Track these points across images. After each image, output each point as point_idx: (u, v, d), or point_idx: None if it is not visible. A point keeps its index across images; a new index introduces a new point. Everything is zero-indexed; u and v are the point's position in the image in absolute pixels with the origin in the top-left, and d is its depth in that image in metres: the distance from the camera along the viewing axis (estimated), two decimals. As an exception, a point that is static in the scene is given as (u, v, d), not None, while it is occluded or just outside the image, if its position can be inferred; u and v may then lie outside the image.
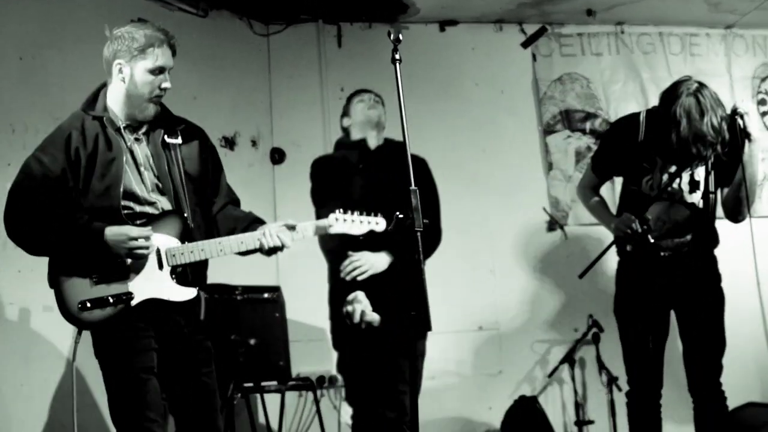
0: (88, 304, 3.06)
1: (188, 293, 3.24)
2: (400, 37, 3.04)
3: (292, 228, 3.36)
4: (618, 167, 4.16)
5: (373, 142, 4.38)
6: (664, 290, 3.98)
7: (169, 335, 3.24)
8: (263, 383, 5.12)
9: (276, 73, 6.27)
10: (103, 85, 3.32)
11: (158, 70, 3.21)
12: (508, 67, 6.59)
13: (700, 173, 3.94)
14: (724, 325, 3.98)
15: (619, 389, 5.54)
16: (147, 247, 3.11)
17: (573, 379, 5.78)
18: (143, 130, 3.31)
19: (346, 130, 4.55)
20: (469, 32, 6.61)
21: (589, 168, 4.38)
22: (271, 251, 3.33)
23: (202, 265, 3.35)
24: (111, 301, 3.08)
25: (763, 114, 6.86)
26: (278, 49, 6.30)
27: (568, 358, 5.79)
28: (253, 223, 3.40)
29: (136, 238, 3.07)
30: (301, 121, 6.22)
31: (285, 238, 3.31)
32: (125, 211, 3.17)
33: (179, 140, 3.36)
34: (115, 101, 3.26)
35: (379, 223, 3.43)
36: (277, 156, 6.15)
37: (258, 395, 5.21)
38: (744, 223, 5.95)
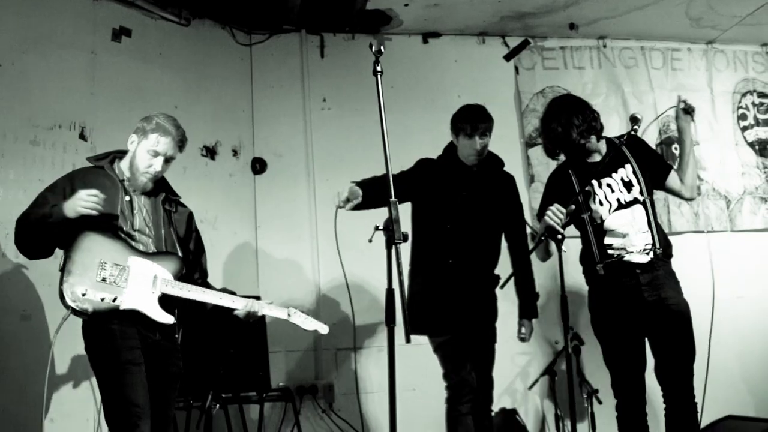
0: (85, 293, 3.44)
1: (167, 318, 3.68)
2: (382, 49, 3.03)
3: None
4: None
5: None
6: (633, 310, 4.23)
7: (148, 346, 3.64)
8: (242, 393, 5.09)
9: (258, 83, 6.25)
10: (120, 151, 3.91)
11: (154, 153, 3.76)
12: (490, 80, 6.61)
13: (629, 175, 4.34)
14: (692, 332, 4.22)
15: (599, 402, 5.54)
16: (97, 202, 3.49)
17: (553, 391, 5.78)
18: (145, 191, 3.86)
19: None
20: (452, 44, 6.64)
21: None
22: (247, 316, 3.92)
23: (177, 302, 3.78)
24: (103, 299, 3.49)
25: (744, 129, 6.92)
26: (261, 58, 6.29)
27: (549, 371, 5.79)
28: (229, 293, 3.93)
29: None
30: (282, 132, 6.20)
31: (242, 303, 3.89)
32: (120, 221, 3.69)
33: (174, 209, 3.97)
34: (125, 165, 3.85)
35: (324, 328, 4.08)
36: (258, 166, 6.12)
37: (237, 406, 5.17)
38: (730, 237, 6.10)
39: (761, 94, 7.02)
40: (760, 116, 6.97)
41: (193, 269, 4.00)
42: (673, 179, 4.43)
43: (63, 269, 3.50)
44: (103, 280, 3.51)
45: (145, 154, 3.74)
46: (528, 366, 6.06)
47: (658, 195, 4.78)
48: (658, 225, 4.32)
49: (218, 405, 4.88)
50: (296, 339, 5.82)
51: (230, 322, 5.04)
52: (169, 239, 3.83)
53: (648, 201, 4.29)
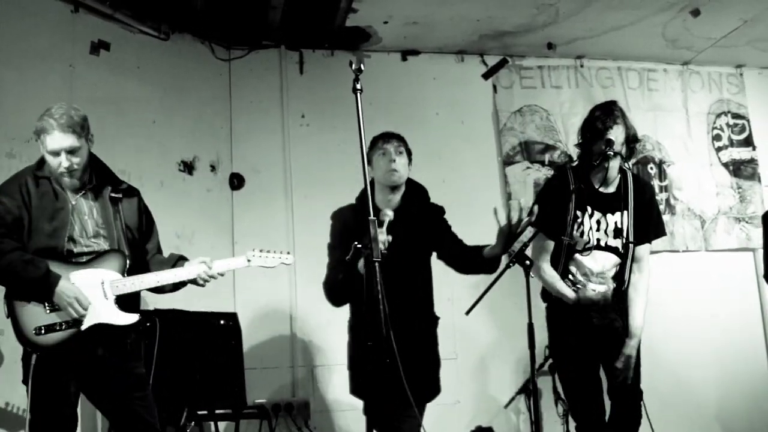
0: (42, 330, 3.40)
1: (131, 318, 3.61)
2: (362, 66, 3.03)
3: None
4: (560, 221, 4.28)
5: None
6: (590, 339, 4.19)
7: (95, 364, 3.56)
8: (218, 411, 5.05)
9: (237, 98, 6.24)
10: None
11: (54, 153, 3.56)
12: (468, 98, 6.64)
13: (622, 222, 4.24)
14: (639, 374, 4.21)
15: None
16: (82, 314, 3.47)
17: (529, 409, 5.78)
18: (89, 186, 3.70)
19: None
20: (430, 62, 6.66)
21: (539, 240, 4.29)
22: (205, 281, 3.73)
23: (136, 296, 3.73)
24: (63, 327, 3.44)
25: (718, 149, 6.99)
26: (240, 74, 6.28)
27: (525, 389, 5.79)
28: (178, 260, 3.81)
29: (81, 303, 3.45)
30: (261, 147, 6.19)
31: (197, 270, 3.68)
32: (67, 249, 3.54)
33: (120, 195, 3.76)
34: None
35: (288, 258, 3.89)
36: (236, 181, 6.11)
37: (212, 423, 5.13)
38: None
39: (735, 115, 7.10)
40: (734, 137, 7.05)
41: (146, 250, 3.86)
42: (641, 250, 4.29)
43: (12, 312, 3.44)
44: (52, 310, 3.44)
45: (49, 157, 3.56)
46: (504, 384, 6.06)
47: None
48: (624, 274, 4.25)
49: (193, 422, 4.84)
50: (273, 356, 5.80)
51: (206, 336, 5.02)
52: (120, 235, 3.67)
53: (630, 255, 4.24)
